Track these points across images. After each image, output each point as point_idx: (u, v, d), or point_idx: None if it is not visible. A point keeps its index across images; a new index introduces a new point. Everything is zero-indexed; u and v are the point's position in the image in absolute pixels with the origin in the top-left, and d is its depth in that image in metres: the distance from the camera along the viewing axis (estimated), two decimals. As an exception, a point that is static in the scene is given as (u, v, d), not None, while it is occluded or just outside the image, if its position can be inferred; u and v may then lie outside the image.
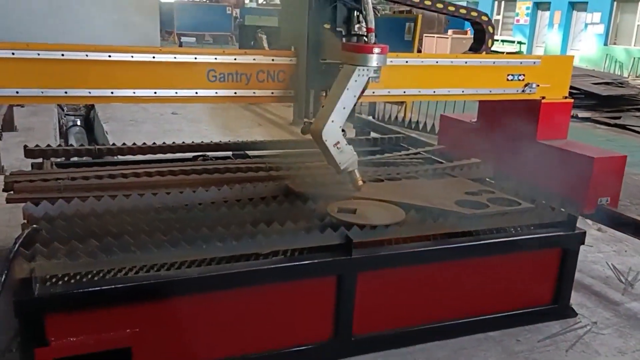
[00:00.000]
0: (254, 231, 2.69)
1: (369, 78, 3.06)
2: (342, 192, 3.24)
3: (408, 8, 11.14)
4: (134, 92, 3.25)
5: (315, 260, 2.67)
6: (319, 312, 2.79)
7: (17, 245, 2.31)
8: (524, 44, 26.16)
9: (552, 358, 2.95)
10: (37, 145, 3.94)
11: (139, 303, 2.40)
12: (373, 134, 6.14)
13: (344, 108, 3.01)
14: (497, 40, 22.81)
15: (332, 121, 2.96)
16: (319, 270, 2.70)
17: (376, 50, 2.97)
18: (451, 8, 4.17)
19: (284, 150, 4.53)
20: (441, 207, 3.04)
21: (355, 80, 2.99)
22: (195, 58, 3.31)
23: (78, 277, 2.36)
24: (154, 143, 4.22)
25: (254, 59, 3.45)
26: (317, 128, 3.00)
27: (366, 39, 3.09)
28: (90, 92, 3.15)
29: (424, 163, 4.17)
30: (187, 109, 9.91)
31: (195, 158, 4.26)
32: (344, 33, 3.27)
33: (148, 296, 2.41)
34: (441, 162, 4.15)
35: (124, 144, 4.16)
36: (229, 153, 4.50)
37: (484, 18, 4.30)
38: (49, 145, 3.98)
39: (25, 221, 2.73)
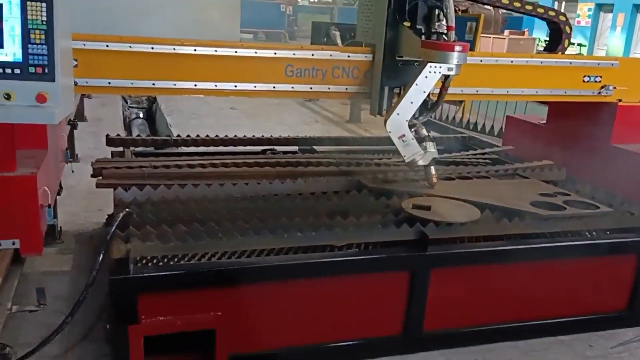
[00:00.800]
0: (331, 223, 2.76)
1: (449, 75, 3.09)
2: (415, 188, 3.27)
3: (467, 7, 11.06)
4: (216, 85, 3.35)
5: (392, 255, 2.71)
6: (390, 306, 2.83)
7: (114, 227, 2.43)
8: (585, 46, 25.40)
9: (627, 365, 2.91)
10: (117, 135, 4.11)
11: (224, 287, 2.50)
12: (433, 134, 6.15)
13: (411, 103, 3.04)
14: (557, 42, 22.19)
15: (398, 114, 3.01)
16: (393, 265, 2.75)
17: (457, 47, 2.99)
18: (529, 7, 4.12)
19: (350, 147, 4.58)
20: (516, 207, 3.03)
21: (426, 77, 3.02)
22: (275, 53, 3.40)
23: (166, 260, 2.47)
24: (226, 136, 4.33)
25: (331, 55, 3.50)
26: (384, 120, 3.06)
27: (446, 37, 3.11)
28: (175, 85, 3.27)
29: (492, 163, 4.14)
30: (245, 104, 10.09)
31: (264, 151, 4.36)
32: (423, 31, 3.29)
33: (232, 281, 2.50)
34: (510, 163, 4.11)
35: (197, 135, 4.30)
36: (296, 148, 4.59)
37: (562, 18, 4.24)
38: (128, 135, 4.15)
39: (115, 205, 2.87)
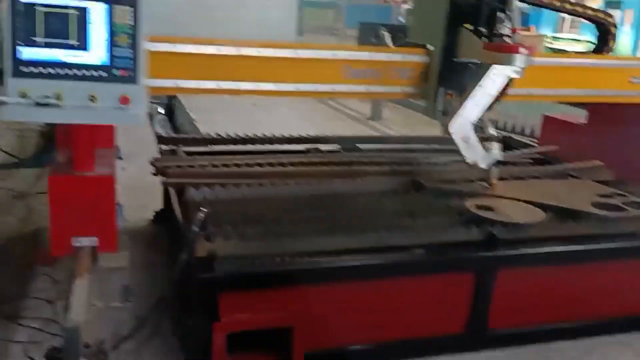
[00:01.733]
0: (401, 224, 2.81)
1: (510, 78, 3.13)
2: (474, 189, 3.32)
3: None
4: (277, 86, 3.40)
5: (463, 256, 2.76)
6: (457, 305, 2.88)
7: (197, 226, 2.48)
8: (594, 43, 25.29)
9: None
10: (168, 133, 4.17)
11: (301, 286, 2.55)
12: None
13: (476, 104, 3.08)
14: (564, 39, 22.14)
15: (461, 116, 3.05)
16: (462, 265, 2.79)
17: (522, 50, 3.02)
18: (579, 9, 4.15)
19: (393, 145, 4.62)
20: (578, 208, 3.08)
21: (492, 79, 3.06)
22: (334, 54, 3.44)
23: (244, 259, 2.52)
24: (264, 135, 4.38)
25: (387, 56, 3.55)
26: (448, 122, 3.10)
27: (509, 39, 3.15)
28: (239, 86, 3.32)
29: (539, 163, 4.18)
30: (265, 101, 10.12)
31: (308, 150, 4.40)
32: (486, 33, 3.32)
33: (309, 280, 2.55)
34: (557, 163, 4.15)
35: (245, 134, 4.34)
36: (337, 146, 4.63)
37: (610, 19, 4.26)
38: (178, 134, 4.20)
39: (187, 204, 2.92)
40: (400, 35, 4.29)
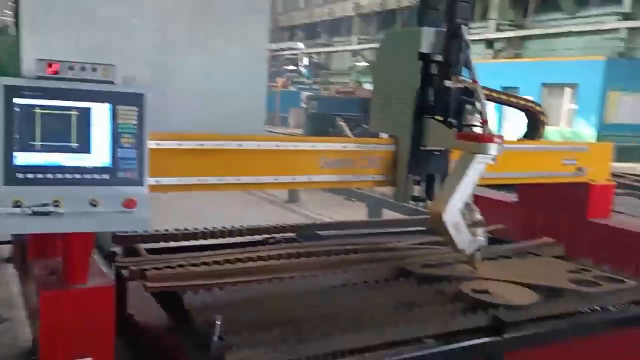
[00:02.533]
0: (406, 316, 2.78)
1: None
2: (458, 272, 3.40)
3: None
4: (258, 179, 3.35)
5: (471, 343, 2.77)
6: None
7: (216, 336, 2.30)
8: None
9: None
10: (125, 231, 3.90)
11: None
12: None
13: (464, 192, 3.23)
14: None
15: (453, 204, 3.17)
16: (475, 351, 2.80)
17: (497, 139, 3.24)
18: (513, 99, 4.56)
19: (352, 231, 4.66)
20: (562, 286, 3.24)
21: (475, 167, 3.23)
22: (312, 146, 3.48)
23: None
24: (230, 227, 4.26)
25: (360, 147, 3.65)
26: (437, 210, 3.19)
27: (480, 130, 3.36)
28: (220, 180, 3.23)
29: (491, 242, 4.38)
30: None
31: (265, 241, 4.31)
32: (455, 124, 3.52)
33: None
34: (509, 242, 4.38)
35: (205, 228, 4.18)
36: (293, 235, 4.59)
37: (538, 108, 4.72)
38: (135, 231, 3.94)
39: (187, 309, 2.70)
40: (353, 125, 4.44)
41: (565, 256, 4.12)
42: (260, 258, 3.50)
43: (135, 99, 2.45)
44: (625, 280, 3.45)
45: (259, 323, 2.56)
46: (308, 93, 15.76)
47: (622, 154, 21.18)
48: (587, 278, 3.44)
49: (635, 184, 13.00)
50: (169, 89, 3.42)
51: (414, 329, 2.68)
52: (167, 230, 4.05)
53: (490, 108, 3.68)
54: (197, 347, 2.45)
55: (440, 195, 3.27)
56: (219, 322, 2.36)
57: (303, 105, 14.97)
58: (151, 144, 2.66)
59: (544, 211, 5.10)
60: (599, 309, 3.25)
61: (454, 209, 3.14)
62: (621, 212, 5.37)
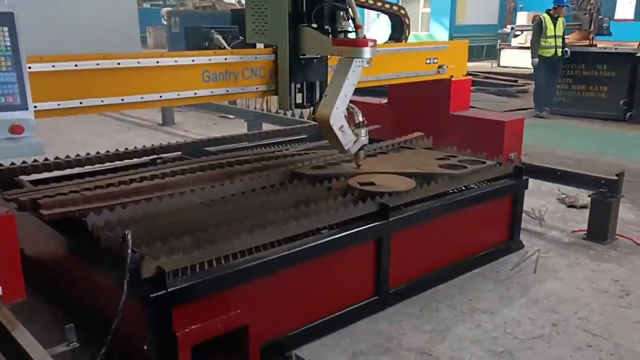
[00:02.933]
0: (308, 211, 3.01)
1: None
2: (346, 170, 3.68)
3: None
4: (142, 97, 3.30)
5: (363, 228, 3.09)
6: (366, 272, 3.21)
7: (129, 248, 2.37)
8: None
9: (527, 279, 3.73)
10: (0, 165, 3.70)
11: (245, 284, 2.62)
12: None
13: (346, 95, 3.44)
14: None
15: (337, 108, 3.38)
16: (363, 237, 3.12)
17: (370, 43, 3.44)
18: (379, 4, 4.76)
19: (239, 144, 4.77)
20: (434, 171, 3.64)
21: (354, 71, 3.43)
22: (193, 60, 3.47)
23: (181, 271, 2.49)
24: (108, 151, 4.18)
25: (241, 58, 3.69)
26: (324, 115, 3.39)
27: (354, 34, 3.54)
28: (102, 101, 3.15)
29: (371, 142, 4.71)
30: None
31: (153, 161, 4.31)
32: (330, 30, 3.66)
33: (252, 277, 2.63)
34: (383, 140, 4.73)
35: (80, 155, 4.07)
36: (179, 153, 4.61)
37: (402, 11, 4.98)
38: (12, 164, 3.75)
39: (92, 229, 2.72)
40: (231, 38, 4.43)
41: (433, 147, 4.55)
42: (154, 177, 3.51)
43: (4, 19, 2.30)
44: (484, 161, 3.94)
45: (168, 234, 2.65)
46: (168, 9, 14.90)
47: (472, 53, 22.77)
48: (454, 163, 3.88)
49: (485, 80, 14.17)
50: (36, 15, 3.22)
51: (312, 222, 2.93)
52: (47, 160, 3.90)
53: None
54: (110, 264, 2.51)
55: (324, 101, 3.44)
56: (129, 236, 2.41)
57: (164, 22, 14.22)
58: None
59: (411, 109, 5.51)
60: (464, 188, 3.72)
61: (338, 113, 3.34)
62: (475, 107, 5.96)
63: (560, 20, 9.80)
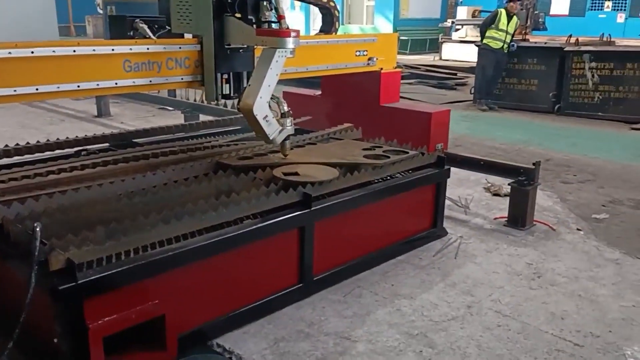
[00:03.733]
0: (227, 201, 3.03)
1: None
2: (271, 161, 3.71)
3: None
4: (58, 87, 3.24)
5: (287, 216, 3.13)
6: (290, 260, 3.26)
7: (38, 240, 2.33)
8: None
9: (448, 264, 3.87)
10: None
11: (161, 274, 2.62)
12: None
13: (269, 85, 3.47)
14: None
15: (261, 97, 3.41)
16: (286, 226, 3.16)
17: (293, 34, 3.48)
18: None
19: (165, 136, 4.72)
20: (359, 161, 3.72)
21: (277, 61, 3.47)
22: (113, 49, 3.42)
23: (95, 262, 2.47)
24: (28, 143, 4.08)
25: (164, 48, 3.66)
26: (247, 104, 3.42)
27: (277, 25, 3.57)
28: (15, 91, 3.07)
29: (299, 133, 4.76)
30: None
31: (77, 153, 4.22)
32: (254, 20, 3.67)
33: (168, 267, 2.63)
34: (314, 131, 4.79)
35: (6, 145, 3.95)
36: (107, 145, 4.53)
37: (332, 4, 5.03)
38: None
39: (1, 222, 2.65)
40: (157, 27, 4.36)
41: (362, 138, 4.64)
42: (74, 169, 3.45)
43: None
44: (408, 151, 4.05)
45: (81, 226, 2.62)
46: (102, -4, 14.49)
47: (415, 46, 23.19)
48: (379, 153, 3.98)
49: (426, 73, 14.46)
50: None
51: (233, 212, 2.95)
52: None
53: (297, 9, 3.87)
54: (19, 257, 2.46)
55: (248, 91, 3.46)
56: (38, 228, 2.37)
57: (100, 10, 13.79)
58: None
59: (343, 100, 5.60)
60: (388, 177, 3.82)
61: (262, 102, 3.37)
62: (407, 98, 6.11)
63: (515, 19, 10.08)
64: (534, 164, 4.43)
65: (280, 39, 3.46)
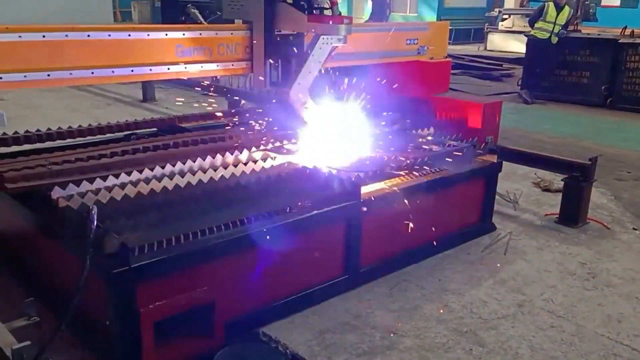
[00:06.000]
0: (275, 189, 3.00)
1: (333, 45, 3.52)
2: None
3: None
4: (113, 72, 3.26)
5: (333, 207, 3.08)
6: (334, 253, 3.22)
7: (93, 223, 2.34)
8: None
9: (497, 260, 3.76)
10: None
11: (211, 261, 2.61)
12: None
13: (310, 72, 3.43)
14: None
15: (299, 84, 3.37)
16: (335, 216, 3.11)
17: (346, 20, 3.42)
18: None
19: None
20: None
21: (320, 48, 3.42)
22: (166, 34, 3.42)
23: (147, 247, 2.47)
24: (80, 126, 4.12)
25: (216, 34, 3.65)
26: (287, 90, 3.40)
27: (330, 11, 3.51)
28: (71, 74, 3.10)
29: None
30: (12, 93, 9.03)
31: (128, 137, 4.26)
32: (306, 7, 3.61)
33: (218, 254, 2.62)
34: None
35: (51, 129, 4.00)
36: (155, 129, 4.56)
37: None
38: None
39: (56, 204, 2.68)
40: (207, 13, 4.37)
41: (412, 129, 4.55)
42: (125, 152, 3.48)
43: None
44: (460, 143, 3.95)
45: (134, 210, 2.63)
46: (150, -17, 14.64)
47: (459, 36, 22.73)
48: (430, 144, 3.89)
49: (470, 63, 14.16)
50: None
51: (284, 200, 2.91)
52: (17, 133, 3.84)
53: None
54: (74, 239, 2.48)
55: (290, 77, 3.43)
56: (94, 211, 2.38)
57: (146, -5, 14.07)
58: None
59: (392, 90, 5.48)
60: (438, 169, 3.73)
61: (300, 89, 3.32)
62: (456, 89, 5.96)
63: (566, 8, 9.74)
64: (589, 160, 4.27)
65: (332, 25, 3.40)
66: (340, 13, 3.49)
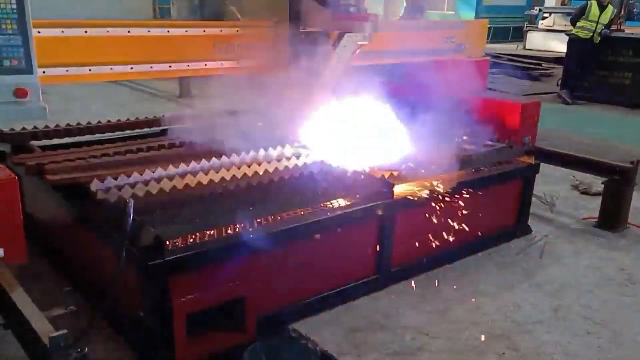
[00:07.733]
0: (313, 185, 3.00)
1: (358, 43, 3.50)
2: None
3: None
4: (151, 67, 3.31)
5: (366, 206, 3.07)
6: (366, 252, 3.20)
7: (130, 216, 2.38)
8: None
9: (532, 264, 3.69)
10: (12, 129, 3.74)
11: (243, 257, 2.63)
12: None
13: (333, 71, 3.41)
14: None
15: (324, 82, 3.36)
16: (367, 215, 3.09)
17: (371, 18, 3.39)
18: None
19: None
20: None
21: (345, 45, 3.40)
22: (204, 31, 3.45)
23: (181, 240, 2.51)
24: (119, 120, 4.20)
25: (253, 30, 3.67)
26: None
27: (355, 9, 3.49)
28: (111, 69, 3.16)
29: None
30: (56, 87, 9.24)
31: (163, 131, 4.32)
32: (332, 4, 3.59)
33: (249, 250, 2.64)
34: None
35: (91, 123, 4.09)
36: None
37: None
38: (24, 129, 3.79)
39: (94, 196, 2.74)
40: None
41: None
42: (161, 147, 3.53)
43: (10, -18, 2.30)
44: (497, 143, 3.88)
45: (169, 203, 2.67)
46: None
47: (497, 35, 22.36)
48: (467, 144, 3.83)
49: (508, 62, 13.90)
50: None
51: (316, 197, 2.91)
52: (58, 126, 3.93)
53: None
54: (110, 231, 2.53)
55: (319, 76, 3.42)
56: (131, 204, 2.42)
57: (185, -8, 14.16)
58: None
59: (427, 89, 5.42)
60: (474, 169, 3.68)
61: (326, 87, 3.31)
62: (494, 89, 5.87)
63: (610, 8, 9.51)
64: (631, 163, 4.14)
65: (357, 23, 3.38)
66: (365, 10, 3.46)
